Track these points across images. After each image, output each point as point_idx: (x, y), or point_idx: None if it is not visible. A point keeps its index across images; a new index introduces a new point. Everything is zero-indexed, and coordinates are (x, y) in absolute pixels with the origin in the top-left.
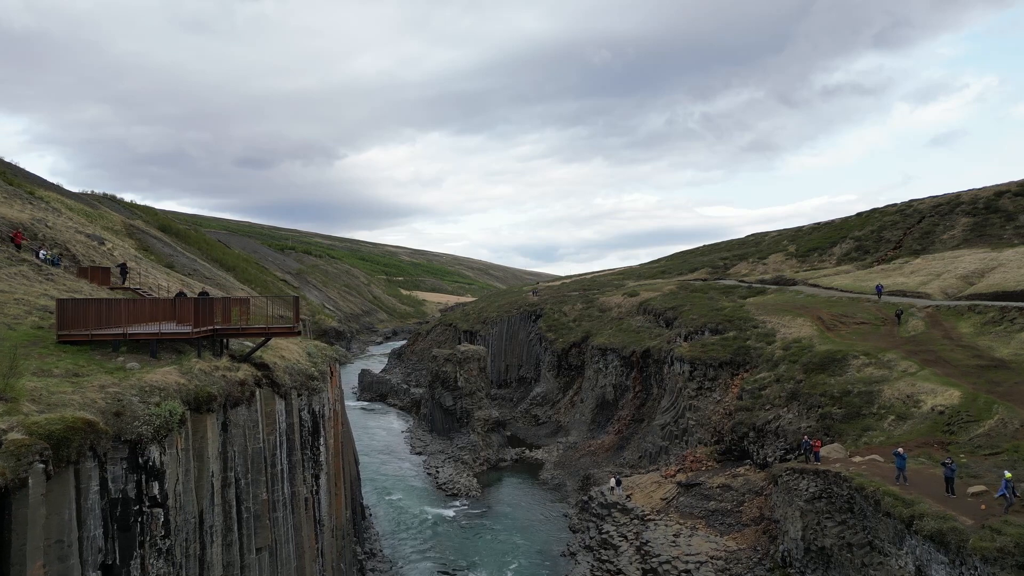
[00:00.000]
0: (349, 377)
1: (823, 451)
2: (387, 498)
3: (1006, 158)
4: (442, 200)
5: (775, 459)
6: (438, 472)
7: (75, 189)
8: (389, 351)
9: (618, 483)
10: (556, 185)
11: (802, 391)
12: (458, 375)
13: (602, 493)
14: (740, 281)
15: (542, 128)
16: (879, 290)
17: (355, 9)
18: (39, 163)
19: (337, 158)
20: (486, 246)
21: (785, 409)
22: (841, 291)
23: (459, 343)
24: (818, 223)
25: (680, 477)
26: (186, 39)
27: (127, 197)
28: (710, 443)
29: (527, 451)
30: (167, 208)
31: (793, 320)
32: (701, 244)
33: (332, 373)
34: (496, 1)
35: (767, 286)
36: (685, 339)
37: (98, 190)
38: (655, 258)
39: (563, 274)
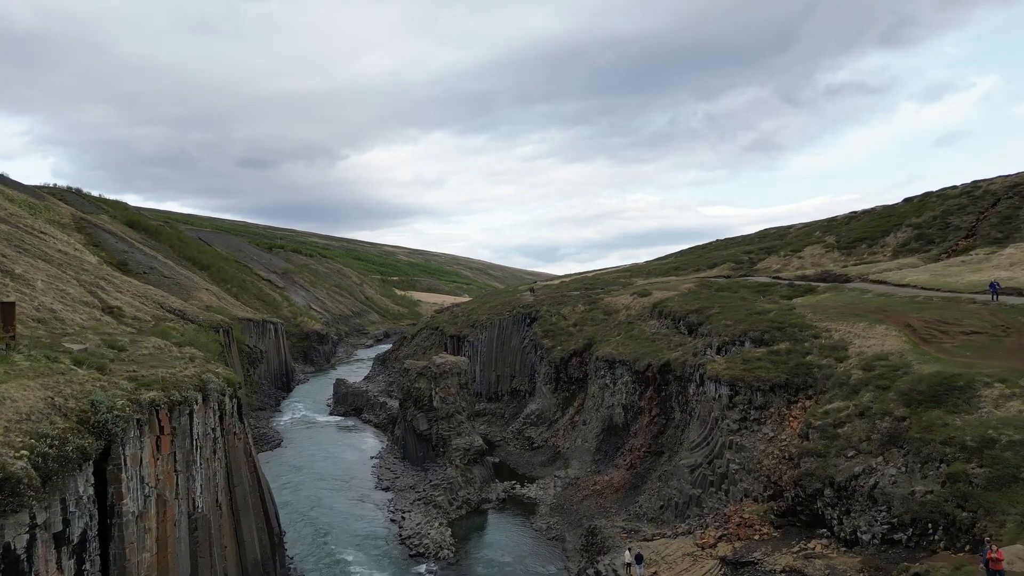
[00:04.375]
0: (325, 387)
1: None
2: (331, 559)
3: (1010, 157)
4: (444, 200)
5: (874, 536)
6: (403, 519)
7: (40, 184)
8: (375, 356)
9: (639, 560)
10: (558, 185)
11: (908, 434)
12: (433, 393)
13: (615, 572)
14: (775, 278)
15: (546, 128)
16: (994, 288)
17: (361, 9)
18: (41, 164)
19: (339, 159)
20: (488, 246)
21: (880, 459)
22: (922, 289)
23: (444, 350)
24: (855, 211)
25: (724, 549)
26: (191, 40)
27: (129, 199)
28: (763, 498)
29: (518, 486)
30: (169, 209)
31: (870, 328)
32: (705, 242)
33: (163, 430)
34: (503, 1)
35: (813, 283)
36: (718, 351)
37: (95, 191)
38: (656, 257)
39: (562, 273)
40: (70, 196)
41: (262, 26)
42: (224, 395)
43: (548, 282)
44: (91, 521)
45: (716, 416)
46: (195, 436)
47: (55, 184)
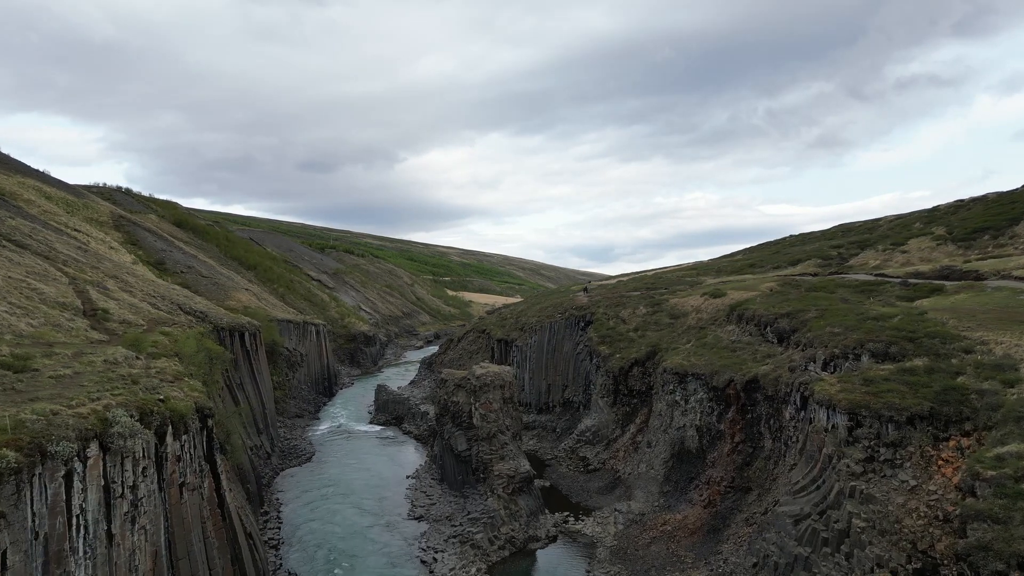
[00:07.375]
0: (370, 392)
1: None
2: None
3: None
4: (499, 201)
5: None
6: (435, 561)
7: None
8: (423, 358)
9: None
10: (615, 184)
11: None
12: (473, 409)
13: None
14: (878, 275)
15: (602, 127)
16: None
17: (420, 11)
18: (116, 169)
19: (397, 161)
20: (542, 247)
21: None
22: None
23: (491, 355)
24: (961, 200)
25: None
26: (256, 47)
27: (197, 203)
28: (907, 572)
29: (571, 519)
30: (234, 212)
31: None
32: (770, 239)
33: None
34: (560, 0)
35: (935, 282)
36: (824, 366)
37: (168, 196)
38: (716, 255)
39: (616, 274)
40: (119, 195)
41: (324, 32)
42: (158, 438)
43: (603, 282)
44: None
45: (829, 453)
46: (75, 511)
47: (104, 184)
